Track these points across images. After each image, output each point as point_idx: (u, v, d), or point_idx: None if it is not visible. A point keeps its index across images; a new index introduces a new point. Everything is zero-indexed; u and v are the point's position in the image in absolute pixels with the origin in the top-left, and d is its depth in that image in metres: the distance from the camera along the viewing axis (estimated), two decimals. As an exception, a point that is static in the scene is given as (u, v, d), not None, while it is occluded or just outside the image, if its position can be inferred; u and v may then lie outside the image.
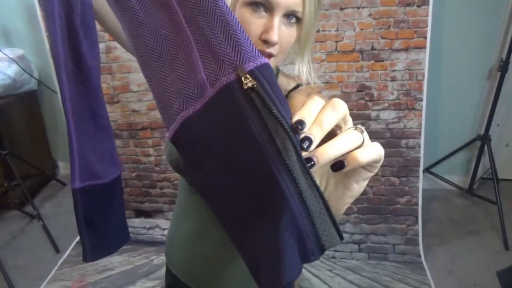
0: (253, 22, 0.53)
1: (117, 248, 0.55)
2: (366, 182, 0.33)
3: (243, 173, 0.30)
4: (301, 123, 0.28)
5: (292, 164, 0.27)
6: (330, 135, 0.29)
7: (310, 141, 0.27)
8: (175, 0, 0.33)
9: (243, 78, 0.29)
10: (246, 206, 0.30)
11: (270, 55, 0.55)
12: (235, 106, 0.29)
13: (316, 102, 0.29)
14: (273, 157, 0.28)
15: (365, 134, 0.30)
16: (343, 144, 0.28)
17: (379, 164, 0.31)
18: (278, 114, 0.28)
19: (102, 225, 0.51)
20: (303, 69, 0.63)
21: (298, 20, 0.55)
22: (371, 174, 0.32)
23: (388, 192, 1.83)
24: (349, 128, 0.30)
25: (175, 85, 0.33)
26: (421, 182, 1.81)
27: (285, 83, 0.67)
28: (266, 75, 0.29)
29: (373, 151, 0.30)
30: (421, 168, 1.80)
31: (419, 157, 1.78)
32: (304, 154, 0.28)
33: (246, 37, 0.30)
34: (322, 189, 0.35)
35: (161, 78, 0.35)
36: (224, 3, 0.31)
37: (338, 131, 0.31)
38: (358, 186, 0.33)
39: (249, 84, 0.28)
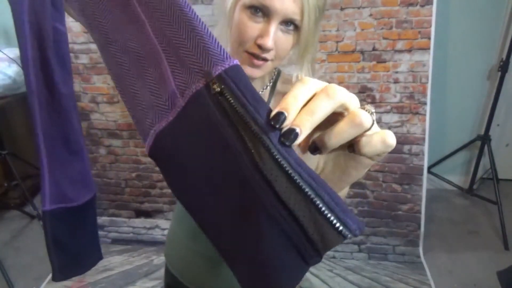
0: (250, 26, 0.54)
1: (88, 268, 0.57)
2: (366, 170, 0.31)
3: (221, 183, 0.29)
4: (278, 117, 0.25)
5: (266, 168, 0.26)
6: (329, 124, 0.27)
7: (295, 134, 0.25)
8: (142, 12, 0.33)
9: (211, 84, 0.28)
10: (229, 218, 0.29)
11: (265, 60, 0.55)
12: (205, 113, 0.28)
13: (305, 85, 0.26)
14: (246, 163, 0.26)
15: (374, 117, 0.27)
16: (350, 132, 0.26)
17: (384, 154, 0.29)
18: (247, 117, 0.26)
19: (72, 247, 0.52)
20: (302, 76, 0.63)
21: (296, 28, 0.55)
22: (373, 162, 0.30)
23: (389, 197, 1.79)
24: (354, 109, 0.27)
25: (147, 99, 0.33)
26: (425, 190, 1.77)
27: (284, 88, 0.67)
28: (234, 78, 0.28)
29: (381, 142, 0.27)
30: (424, 177, 1.75)
31: (423, 165, 1.73)
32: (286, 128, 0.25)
33: (214, 40, 0.29)
34: (318, 172, 0.33)
35: (133, 93, 0.34)
36: (190, 9, 0.30)
37: (340, 117, 0.27)
38: (357, 173, 0.31)
39: (217, 89, 0.27)
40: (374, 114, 0.27)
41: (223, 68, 0.28)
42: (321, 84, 0.27)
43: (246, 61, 0.56)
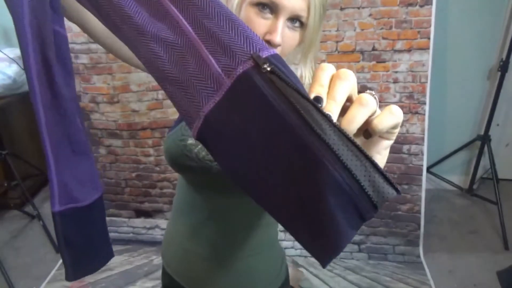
0: (258, 22, 0.54)
1: (100, 266, 0.58)
2: (387, 151, 0.34)
3: (279, 153, 0.31)
4: (318, 100, 0.29)
5: (322, 129, 0.28)
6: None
7: (330, 118, 0.28)
8: (175, 8, 0.35)
9: (260, 64, 0.30)
10: (290, 185, 0.31)
11: None
12: (256, 90, 0.31)
13: (326, 72, 0.30)
14: (304, 131, 0.28)
15: (377, 98, 0.30)
16: (362, 113, 0.28)
17: (397, 130, 0.32)
18: (298, 88, 0.29)
19: (83, 246, 0.53)
20: (306, 74, 0.63)
21: (302, 25, 0.56)
22: (391, 142, 0.33)
23: None
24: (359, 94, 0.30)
25: (189, 84, 0.35)
26: (424, 191, 1.77)
27: None
28: (280, 62, 0.31)
29: (389, 114, 0.29)
30: (424, 177, 1.75)
31: (422, 165, 1.73)
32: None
33: (254, 32, 0.33)
34: None
35: (173, 80, 0.36)
36: (226, 6, 0.33)
37: (347, 103, 0.30)
38: (381, 157, 0.33)
39: (268, 68, 0.30)
40: (376, 96, 0.30)
41: (269, 53, 0.31)
42: (334, 69, 0.30)
43: None
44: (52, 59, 0.46)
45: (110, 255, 0.60)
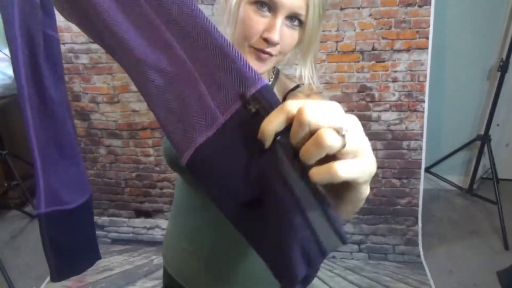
0: (256, 21, 0.54)
1: (85, 268, 0.58)
2: (362, 191, 0.31)
3: (253, 189, 0.33)
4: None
5: (292, 178, 0.29)
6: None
7: None
8: (172, 37, 0.36)
9: (247, 105, 0.32)
10: (257, 217, 0.33)
11: (269, 54, 0.56)
12: (243, 130, 0.32)
13: (283, 112, 0.29)
14: (280, 174, 0.29)
15: (349, 137, 0.27)
16: (312, 151, 0.26)
17: (365, 185, 0.30)
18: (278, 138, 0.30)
19: (69, 248, 0.53)
20: (305, 73, 0.63)
21: (301, 24, 0.56)
22: (359, 187, 0.30)
23: (388, 193, 1.83)
24: (322, 129, 0.26)
25: (184, 116, 0.36)
26: (422, 184, 1.80)
27: (288, 83, 0.68)
28: (267, 96, 0.32)
29: (325, 172, 0.26)
30: (422, 170, 1.78)
31: (421, 159, 1.76)
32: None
33: (245, 62, 0.33)
34: None
35: (170, 109, 0.37)
36: (220, 34, 0.34)
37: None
38: (350, 194, 0.32)
39: (253, 110, 0.31)
40: (348, 132, 0.27)
41: (256, 89, 0.32)
42: (326, 99, 0.30)
43: (253, 56, 0.56)
44: (41, 63, 0.46)
45: (97, 257, 0.60)
